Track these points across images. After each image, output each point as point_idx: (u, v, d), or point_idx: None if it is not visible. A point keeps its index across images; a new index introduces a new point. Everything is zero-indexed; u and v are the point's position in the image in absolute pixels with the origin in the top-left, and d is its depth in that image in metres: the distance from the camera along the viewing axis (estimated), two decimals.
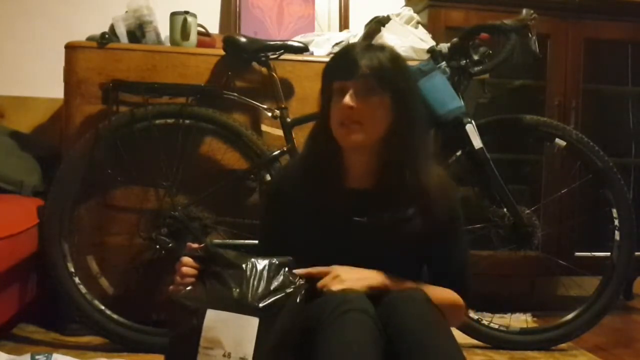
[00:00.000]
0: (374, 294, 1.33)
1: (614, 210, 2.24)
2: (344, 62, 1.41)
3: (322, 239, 1.45)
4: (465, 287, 1.48)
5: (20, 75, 2.74)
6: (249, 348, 1.24)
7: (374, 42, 2.43)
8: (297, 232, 1.47)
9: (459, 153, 2.19)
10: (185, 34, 2.32)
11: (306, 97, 2.28)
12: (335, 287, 1.33)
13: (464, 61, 2.14)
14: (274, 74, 2.22)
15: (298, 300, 1.30)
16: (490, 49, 2.17)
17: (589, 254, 2.69)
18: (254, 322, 1.26)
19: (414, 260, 1.48)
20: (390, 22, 2.50)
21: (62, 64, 2.23)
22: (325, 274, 1.37)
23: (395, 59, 1.44)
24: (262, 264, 1.33)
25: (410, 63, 2.24)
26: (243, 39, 2.22)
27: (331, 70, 1.44)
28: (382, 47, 1.45)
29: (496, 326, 2.27)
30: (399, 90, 1.41)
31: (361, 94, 1.38)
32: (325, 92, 1.45)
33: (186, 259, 1.36)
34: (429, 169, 1.45)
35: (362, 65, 1.37)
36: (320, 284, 1.35)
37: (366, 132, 1.39)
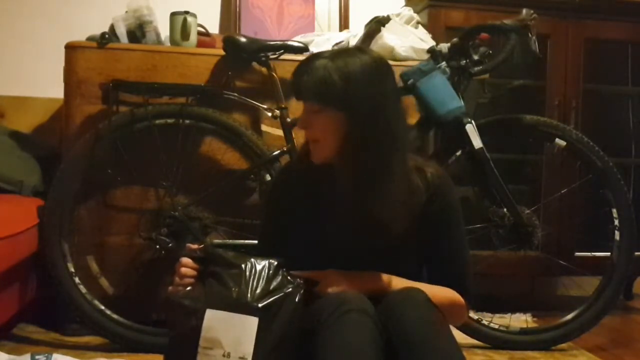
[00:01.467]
0: (373, 295, 1.33)
1: (614, 210, 2.24)
2: (292, 80, 1.41)
3: (321, 239, 1.45)
4: (466, 286, 1.48)
5: (20, 75, 2.74)
6: (249, 348, 1.24)
7: (373, 42, 2.44)
8: (297, 232, 1.48)
9: (459, 153, 2.19)
10: (185, 34, 2.32)
11: None
12: (332, 291, 1.33)
13: (464, 61, 2.14)
14: (274, 74, 2.22)
15: (297, 300, 1.31)
16: (490, 49, 2.17)
17: (589, 254, 2.69)
18: (253, 321, 1.26)
19: (413, 259, 1.48)
20: (390, 22, 2.50)
21: (62, 64, 2.23)
22: (321, 277, 1.37)
23: (344, 69, 1.34)
24: (261, 264, 1.33)
25: (410, 63, 2.27)
26: (243, 39, 2.22)
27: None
28: (333, 57, 1.36)
29: (496, 326, 2.27)
30: (350, 103, 1.35)
31: (311, 112, 1.38)
32: None
33: (185, 260, 1.36)
34: (404, 175, 1.41)
35: (303, 86, 1.37)
36: (317, 289, 1.36)
37: (323, 149, 1.40)
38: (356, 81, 1.34)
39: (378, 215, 1.37)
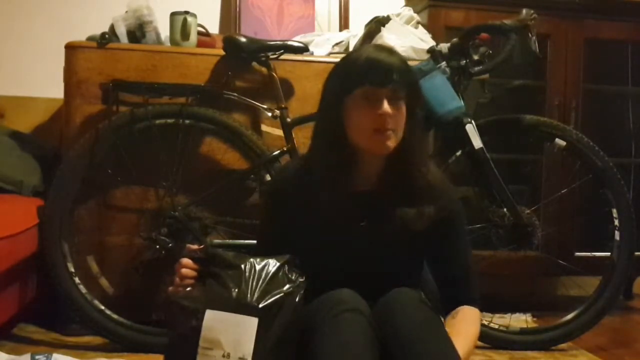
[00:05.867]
0: (369, 294, 1.33)
1: (614, 210, 2.24)
2: (375, 68, 1.38)
3: (325, 241, 1.45)
4: (475, 295, 1.49)
5: (20, 75, 2.74)
6: (248, 348, 1.24)
7: (373, 42, 2.44)
8: (297, 233, 1.47)
9: (459, 153, 2.19)
10: (185, 34, 2.33)
11: (306, 97, 2.28)
12: None
13: (464, 61, 2.14)
14: (274, 74, 2.22)
15: (297, 300, 1.31)
16: (490, 49, 2.17)
17: (589, 254, 2.70)
18: (253, 322, 1.26)
19: (417, 261, 1.48)
20: (390, 22, 2.50)
21: (62, 64, 2.23)
22: None
23: (407, 62, 1.45)
24: (260, 264, 1.33)
25: (410, 63, 2.27)
26: (243, 39, 2.22)
27: (359, 75, 1.39)
28: (395, 50, 1.46)
29: (496, 326, 2.27)
30: (413, 93, 1.42)
31: (393, 100, 1.38)
32: (340, 97, 1.41)
33: (185, 261, 1.36)
34: (430, 168, 1.47)
35: (395, 72, 1.37)
36: None
37: (397, 137, 1.40)
38: (411, 69, 1.46)
39: (409, 211, 1.42)
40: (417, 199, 1.43)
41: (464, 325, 1.42)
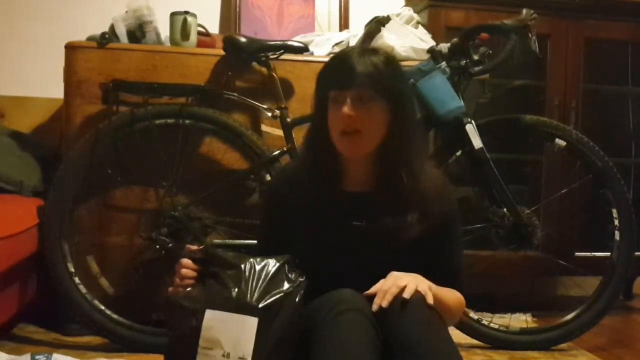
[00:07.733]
0: (370, 294, 1.33)
1: (614, 210, 2.24)
2: (339, 70, 1.40)
3: (321, 242, 1.45)
4: (462, 287, 1.48)
5: (20, 75, 2.74)
6: (248, 348, 1.25)
7: (373, 42, 2.44)
8: (296, 234, 1.47)
9: (459, 153, 2.19)
10: (185, 34, 2.33)
11: (306, 97, 2.25)
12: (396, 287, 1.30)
13: (464, 61, 2.14)
14: (274, 74, 2.22)
15: (297, 300, 1.31)
16: (490, 49, 2.17)
17: (589, 254, 2.69)
18: (253, 321, 1.26)
19: (413, 262, 1.48)
20: (390, 22, 2.50)
21: (62, 64, 2.23)
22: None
23: (390, 61, 1.44)
24: (260, 264, 1.34)
25: (410, 63, 2.27)
26: (243, 39, 2.22)
27: (326, 79, 1.43)
28: (376, 51, 1.45)
29: (496, 326, 2.27)
30: (395, 93, 1.41)
31: (359, 101, 1.37)
32: (321, 100, 1.44)
33: (185, 261, 1.36)
34: (426, 171, 1.46)
35: (358, 73, 1.37)
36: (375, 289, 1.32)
37: (366, 140, 1.40)
38: (399, 75, 1.45)
39: (401, 214, 1.40)
40: (408, 201, 1.42)
41: (450, 290, 1.44)
